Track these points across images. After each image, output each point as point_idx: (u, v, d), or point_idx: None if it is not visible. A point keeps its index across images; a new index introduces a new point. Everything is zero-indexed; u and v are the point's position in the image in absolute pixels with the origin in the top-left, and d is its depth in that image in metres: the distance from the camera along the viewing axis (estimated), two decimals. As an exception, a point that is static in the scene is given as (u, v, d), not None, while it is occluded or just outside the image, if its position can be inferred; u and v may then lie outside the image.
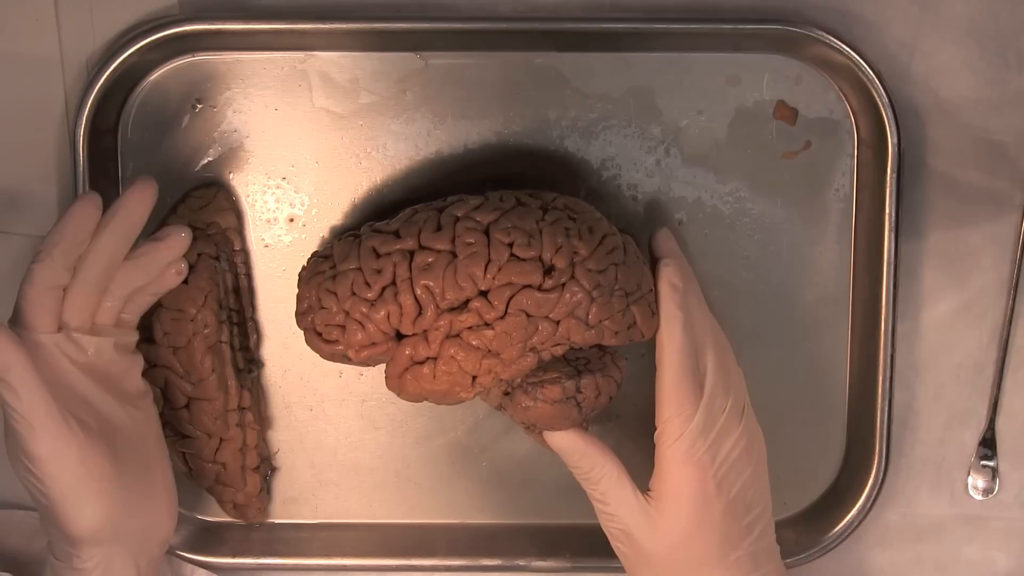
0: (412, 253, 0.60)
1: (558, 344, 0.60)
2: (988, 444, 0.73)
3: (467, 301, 0.60)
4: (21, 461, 0.59)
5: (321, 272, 0.62)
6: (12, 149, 0.70)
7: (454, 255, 0.60)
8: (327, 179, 0.70)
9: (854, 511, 0.71)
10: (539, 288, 0.59)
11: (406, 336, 0.61)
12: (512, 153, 0.70)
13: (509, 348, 0.60)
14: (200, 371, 0.66)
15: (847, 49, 0.67)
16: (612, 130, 0.70)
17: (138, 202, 0.62)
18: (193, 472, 0.69)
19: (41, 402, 0.58)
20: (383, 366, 0.63)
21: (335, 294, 0.61)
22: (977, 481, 0.73)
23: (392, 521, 0.73)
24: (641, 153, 0.70)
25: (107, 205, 0.68)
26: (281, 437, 0.72)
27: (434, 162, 0.70)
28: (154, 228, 0.69)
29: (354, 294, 0.60)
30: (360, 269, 0.61)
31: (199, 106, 0.69)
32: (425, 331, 0.60)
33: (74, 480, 0.59)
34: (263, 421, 0.71)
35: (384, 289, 0.60)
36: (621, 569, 0.65)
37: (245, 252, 0.70)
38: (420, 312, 0.60)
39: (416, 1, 0.69)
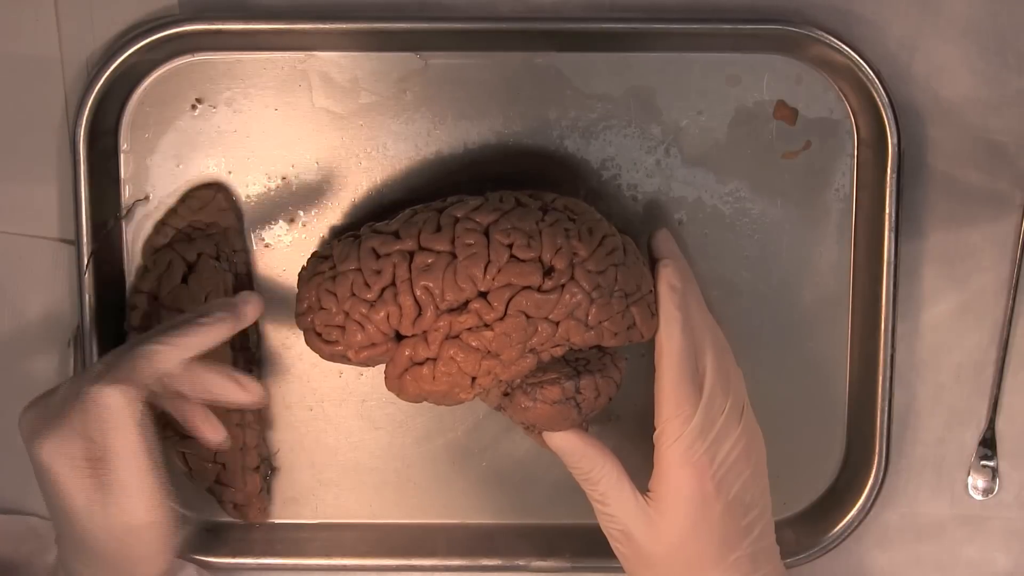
0: (412, 254, 0.60)
1: (557, 345, 0.60)
2: (988, 444, 0.73)
3: (467, 302, 0.60)
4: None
5: (321, 272, 0.62)
6: (12, 149, 0.70)
7: (454, 256, 0.60)
8: (327, 179, 0.70)
9: (854, 511, 0.71)
10: (538, 289, 0.59)
11: (406, 337, 0.61)
12: (512, 153, 0.70)
13: (508, 349, 0.60)
14: (200, 371, 0.66)
15: (847, 49, 0.67)
16: (612, 130, 0.70)
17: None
18: (193, 472, 0.69)
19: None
20: (383, 366, 0.63)
21: (335, 295, 0.61)
22: (977, 481, 0.73)
23: (392, 521, 0.73)
24: (641, 153, 0.70)
25: (104, 205, 0.68)
26: (281, 437, 0.72)
27: (434, 162, 0.70)
28: (154, 230, 0.69)
29: (354, 295, 0.60)
30: (360, 270, 0.61)
31: (199, 106, 0.69)
32: (424, 332, 0.60)
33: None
34: (263, 421, 0.71)
35: (384, 290, 0.60)
36: (621, 569, 0.65)
37: (245, 252, 0.70)
38: (420, 313, 0.60)
39: (416, 1, 0.69)
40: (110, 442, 0.57)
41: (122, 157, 0.70)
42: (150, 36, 0.67)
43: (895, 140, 0.67)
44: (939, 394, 0.73)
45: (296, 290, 0.64)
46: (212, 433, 0.63)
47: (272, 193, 0.70)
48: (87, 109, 0.67)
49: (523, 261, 0.59)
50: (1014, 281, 0.71)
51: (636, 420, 0.71)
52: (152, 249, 0.69)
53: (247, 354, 0.70)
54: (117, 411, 0.57)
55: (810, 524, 0.72)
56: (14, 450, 0.71)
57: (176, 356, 0.59)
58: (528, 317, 0.59)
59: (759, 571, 0.63)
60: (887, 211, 0.68)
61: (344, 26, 0.67)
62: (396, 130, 0.70)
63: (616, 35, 0.68)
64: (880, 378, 0.69)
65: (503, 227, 0.60)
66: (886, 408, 0.70)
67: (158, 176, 0.70)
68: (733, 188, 0.70)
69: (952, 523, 0.74)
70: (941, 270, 0.72)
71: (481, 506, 0.73)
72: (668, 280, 0.63)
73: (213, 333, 0.61)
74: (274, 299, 0.71)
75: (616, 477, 0.62)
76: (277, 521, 0.73)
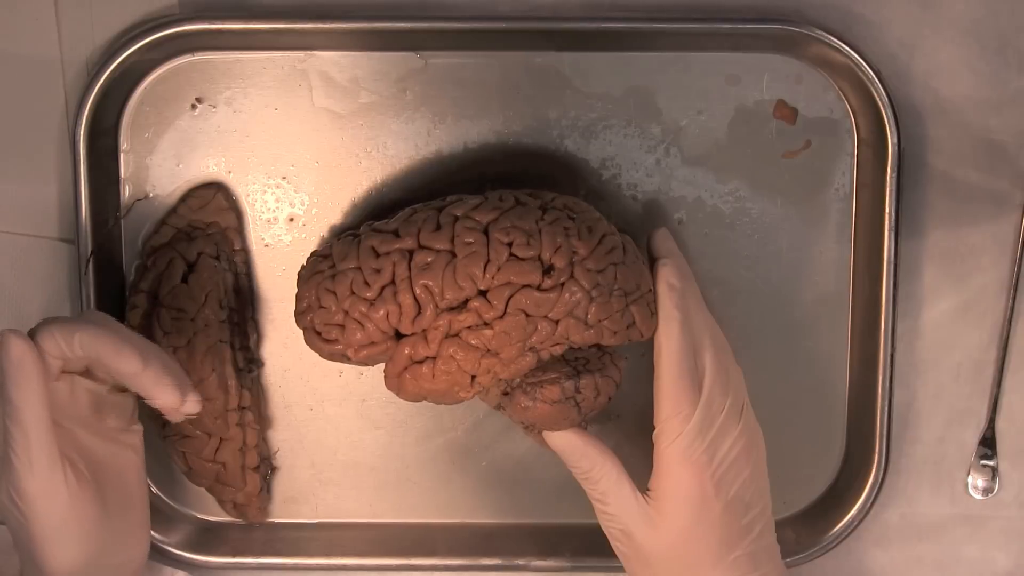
0: (411, 252, 0.60)
1: (557, 344, 0.60)
2: (988, 444, 0.73)
3: (466, 300, 0.60)
4: (8, 492, 0.57)
5: (320, 271, 0.62)
6: (12, 149, 0.70)
7: (453, 254, 0.60)
8: (327, 179, 0.70)
9: (854, 511, 0.71)
10: (538, 288, 0.59)
11: (405, 335, 0.61)
12: (512, 153, 0.70)
13: (508, 347, 0.60)
14: (200, 371, 0.66)
15: (847, 49, 0.67)
16: (612, 130, 0.70)
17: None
18: (193, 472, 0.69)
19: (43, 440, 0.56)
20: (383, 365, 0.63)
21: (334, 293, 0.61)
22: (977, 481, 0.73)
23: (392, 521, 0.73)
24: (641, 153, 0.70)
25: (104, 204, 0.68)
26: (281, 437, 0.72)
27: (434, 162, 0.70)
28: (154, 229, 0.69)
29: (353, 293, 0.60)
30: (359, 268, 0.61)
31: (199, 106, 0.69)
32: (424, 330, 0.60)
33: (59, 523, 0.57)
34: (263, 421, 0.71)
35: (383, 288, 0.60)
36: (621, 569, 0.65)
37: (245, 252, 0.70)
38: (419, 311, 0.60)
39: (416, 1, 0.69)
40: (13, 397, 0.55)
41: (122, 157, 0.70)
42: (150, 36, 0.67)
43: (895, 140, 0.67)
44: (939, 394, 0.73)
45: (296, 289, 0.64)
46: (169, 396, 0.59)
47: (272, 193, 0.70)
48: (87, 109, 0.67)
49: (522, 259, 0.59)
50: (1014, 281, 0.71)
51: (636, 419, 0.71)
52: (152, 249, 0.69)
53: (247, 353, 0.70)
54: (25, 361, 0.55)
55: (810, 524, 0.72)
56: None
57: (112, 360, 0.57)
58: (528, 315, 0.59)
59: (759, 570, 0.63)
60: (887, 211, 0.68)
61: (344, 26, 0.67)
62: (396, 130, 0.70)
63: (616, 34, 0.68)
64: (880, 378, 0.69)
65: (502, 225, 0.60)
66: (886, 407, 0.70)
67: (158, 176, 0.70)
68: (733, 188, 0.70)
69: (952, 523, 0.74)
70: (941, 270, 0.72)
71: (481, 506, 0.73)
72: (667, 279, 0.63)
73: (148, 379, 0.58)
74: (274, 298, 0.71)
75: (616, 476, 0.62)
76: (277, 521, 0.73)
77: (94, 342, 0.57)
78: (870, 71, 0.67)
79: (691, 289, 0.64)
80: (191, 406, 0.59)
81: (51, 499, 0.57)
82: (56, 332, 0.56)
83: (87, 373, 0.60)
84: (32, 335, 0.57)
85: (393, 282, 0.60)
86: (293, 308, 0.63)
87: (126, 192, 0.70)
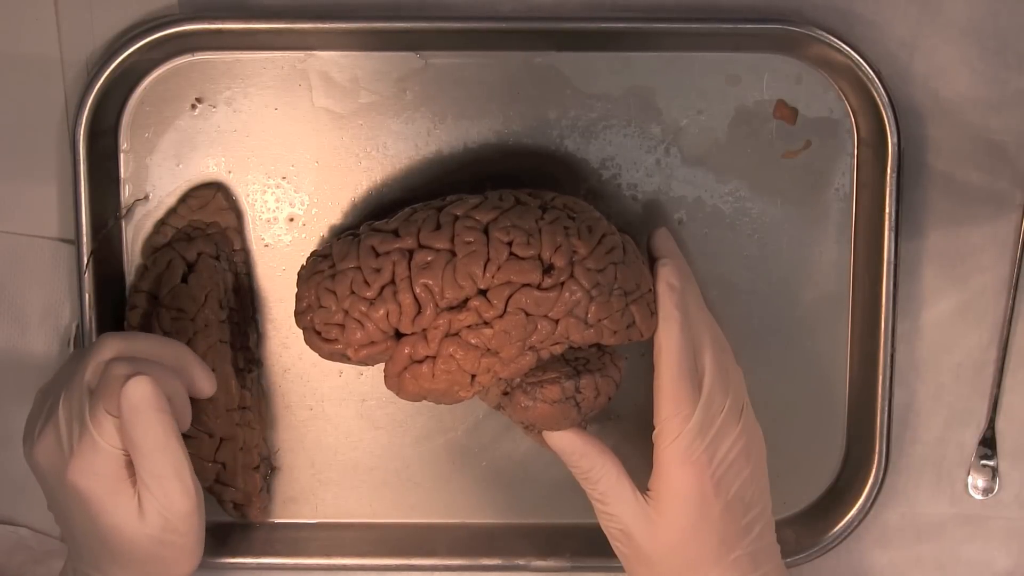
0: (411, 252, 0.60)
1: (557, 343, 0.60)
2: (988, 444, 0.73)
3: (466, 300, 0.60)
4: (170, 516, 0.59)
5: (320, 271, 0.62)
6: (12, 149, 0.70)
7: (453, 254, 0.60)
8: (327, 179, 0.70)
9: (854, 511, 0.71)
10: (538, 287, 0.59)
11: (405, 335, 0.61)
12: (512, 153, 0.70)
13: (508, 347, 0.60)
14: (200, 370, 0.66)
15: (847, 49, 0.67)
16: (612, 130, 0.70)
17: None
18: (193, 472, 0.69)
19: (186, 458, 0.59)
20: (382, 365, 0.63)
21: (334, 293, 0.61)
22: (977, 481, 0.73)
23: (392, 521, 0.73)
24: (641, 153, 0.70)
25: (104, 204, 0.68)
26: (281, 437, 0.72)
27: (434, 161, 0.70)
28: (154, 229, 0.69)
29: (353, 293, 0.60)
30: (359, 268, 0.61)
31: (199, 106, 0.69)
32: (424, 330, 0.60)
33: (199, 535, 0.61)
34: (263, 421, 0.71)
35: (383, 288, 0.60)
36: (621, 569, 0.65)
37: (245, 252, 0.70)
38: (419, 311, 0.60)
39: (416, 1, 0.69)
40: (142, 435, 0.57)
41: (122, 157, 0.70)
42: (150, 36, 0.67)
43: (895, 140, 0.67)
44: (939, 394, 0.73)
45: (296, 289, 0.64)
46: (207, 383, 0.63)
47: (272, 193, 0.70)
48: (87, 109, 0.67)
49: (522, 259, 0.59)
50: (1014, 281, 0.71)
51: (636, 419, 0.71)
52: (152, 248, 0.69)
53: (247, 353, 0.70)
54: (147, 401, 0.57)
55: (810, 524, 0.72)
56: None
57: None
58: (527, 315, 0.59)
59: (759, 570, 0.63)
60: (887, 211, 0.68)
61: (344, 26, 0.67)
62: (396, 130, 0.70)
63: (616, 34, 0.68)
64: (880, 378, 0.69)
65: (502, 225, 0.60)
66: (886, 408, 0.70)
67: (158, 176, 0.70)
68: (733, 188, 0.70)
69: (952, 523, 0.74)
70: (941, 270, 0.72)
71: (481, 506, 0.73)
72: (667, 279, 0.63)
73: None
74: (274, 298, 0.71)
75: (616, 476, 0.62)
76: (277, 521, 0.73)
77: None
78: (870, 71, 0.67)
79: (691, 289, 0.64)
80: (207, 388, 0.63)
81: (198, 514, 0.60)
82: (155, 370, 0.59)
83: None
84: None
85: (393, 281, 0.60)
86: (293, 308, 0.63)
87: (126, 192, 0.70)
